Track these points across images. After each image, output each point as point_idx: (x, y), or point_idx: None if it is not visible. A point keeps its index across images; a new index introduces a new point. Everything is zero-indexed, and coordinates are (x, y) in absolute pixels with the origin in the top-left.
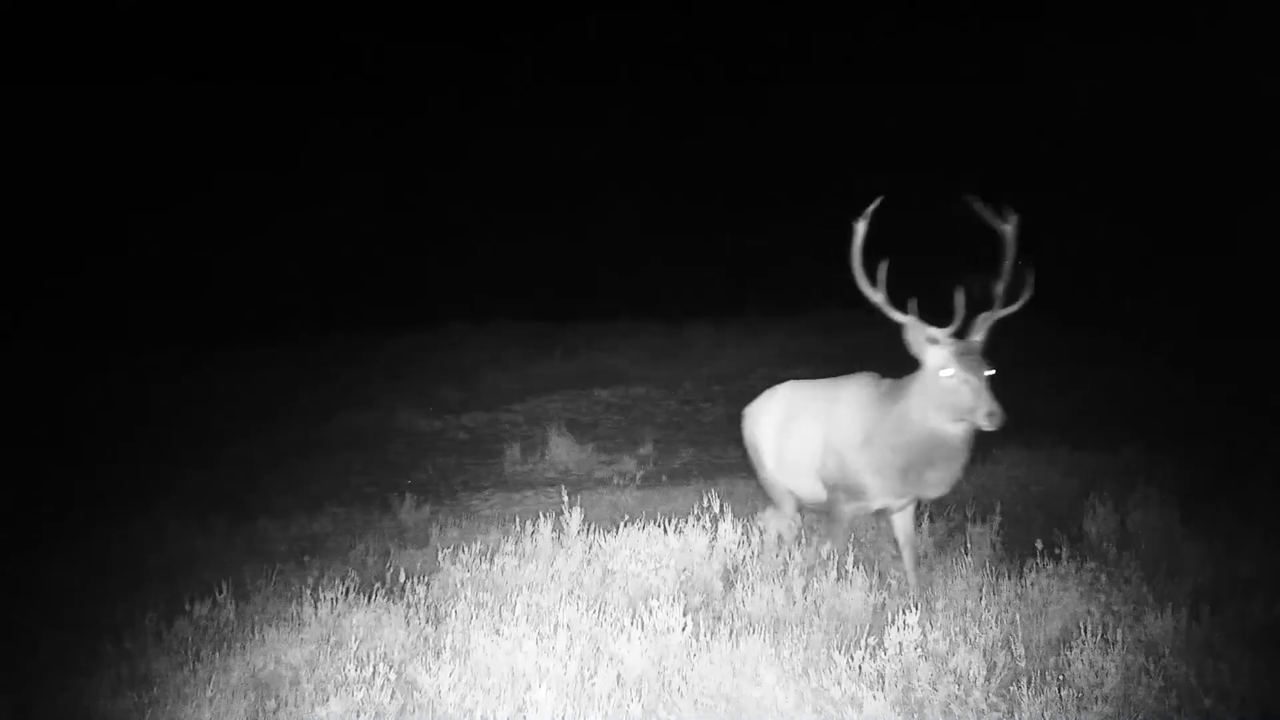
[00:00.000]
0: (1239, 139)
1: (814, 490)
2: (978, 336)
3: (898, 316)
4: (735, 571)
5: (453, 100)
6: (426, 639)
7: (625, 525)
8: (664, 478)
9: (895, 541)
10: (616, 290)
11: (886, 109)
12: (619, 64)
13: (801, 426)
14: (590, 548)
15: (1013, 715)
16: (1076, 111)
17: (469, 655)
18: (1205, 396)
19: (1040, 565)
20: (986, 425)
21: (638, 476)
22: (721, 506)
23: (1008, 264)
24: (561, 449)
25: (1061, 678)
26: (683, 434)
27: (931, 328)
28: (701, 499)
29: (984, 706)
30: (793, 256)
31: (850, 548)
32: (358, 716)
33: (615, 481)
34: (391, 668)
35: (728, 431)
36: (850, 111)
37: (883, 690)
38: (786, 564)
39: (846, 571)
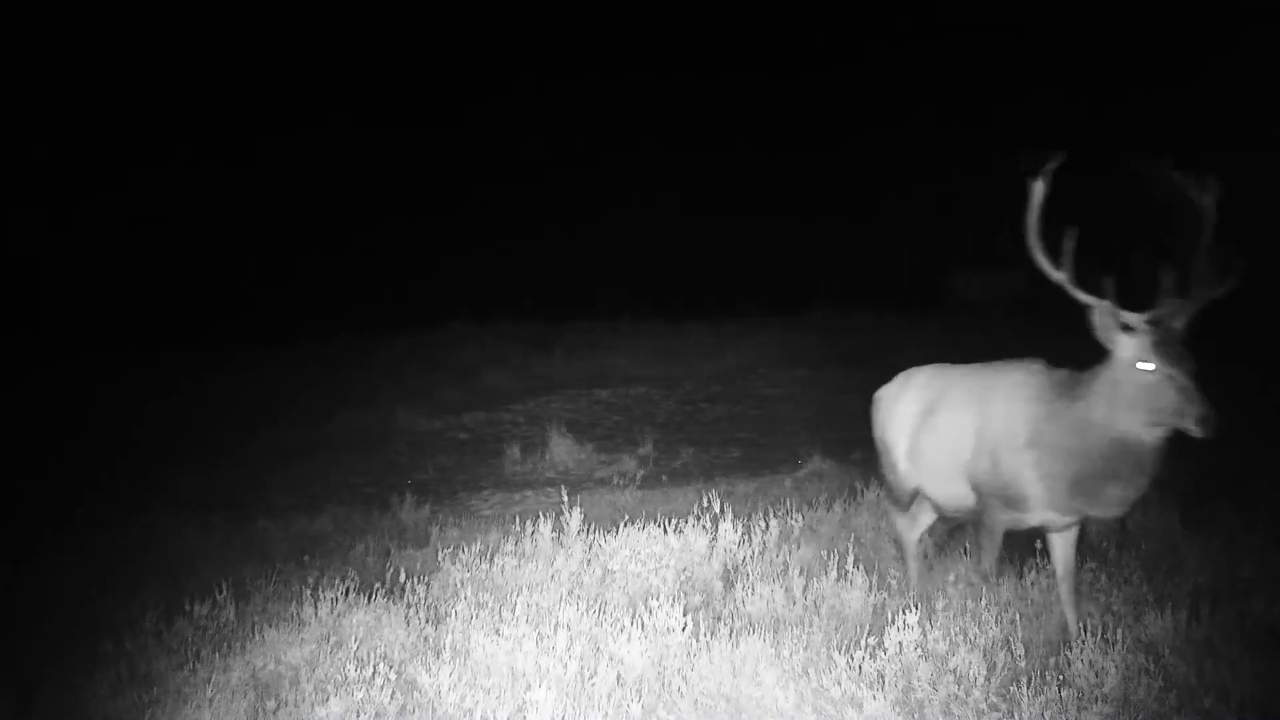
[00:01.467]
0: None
1: (955, 495)
2: (1177, 324)
3: (1086, 298)
4: (735, 571)
5: (452, 101)
6: (426, 639)
7: (625, 525)
8: (664, 478)
9: (1053, 569)
10: (616, 290)
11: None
12: (620, 64)
13: (947, 419)
14: (590, 548)
15: (1013, 715)
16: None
17: (469, 655)
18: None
19: (1040, 565)
20: (1196, 432)
21: (638, 476)
22: (721, 506)
23: (1207, 239)
24: (561, 449)
25: (1061, 678)
26: (683, 434)
27: (1128, 313)
28: (701, 499)
29: (984, 706)
30: (794, 256)
31: (850, 548)
32: (358, 716)
33: (615, 481)
34: (391, 668)
35: (727, 431)
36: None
37: (883, 690)
38: (787, 564)
39: (846, 571)
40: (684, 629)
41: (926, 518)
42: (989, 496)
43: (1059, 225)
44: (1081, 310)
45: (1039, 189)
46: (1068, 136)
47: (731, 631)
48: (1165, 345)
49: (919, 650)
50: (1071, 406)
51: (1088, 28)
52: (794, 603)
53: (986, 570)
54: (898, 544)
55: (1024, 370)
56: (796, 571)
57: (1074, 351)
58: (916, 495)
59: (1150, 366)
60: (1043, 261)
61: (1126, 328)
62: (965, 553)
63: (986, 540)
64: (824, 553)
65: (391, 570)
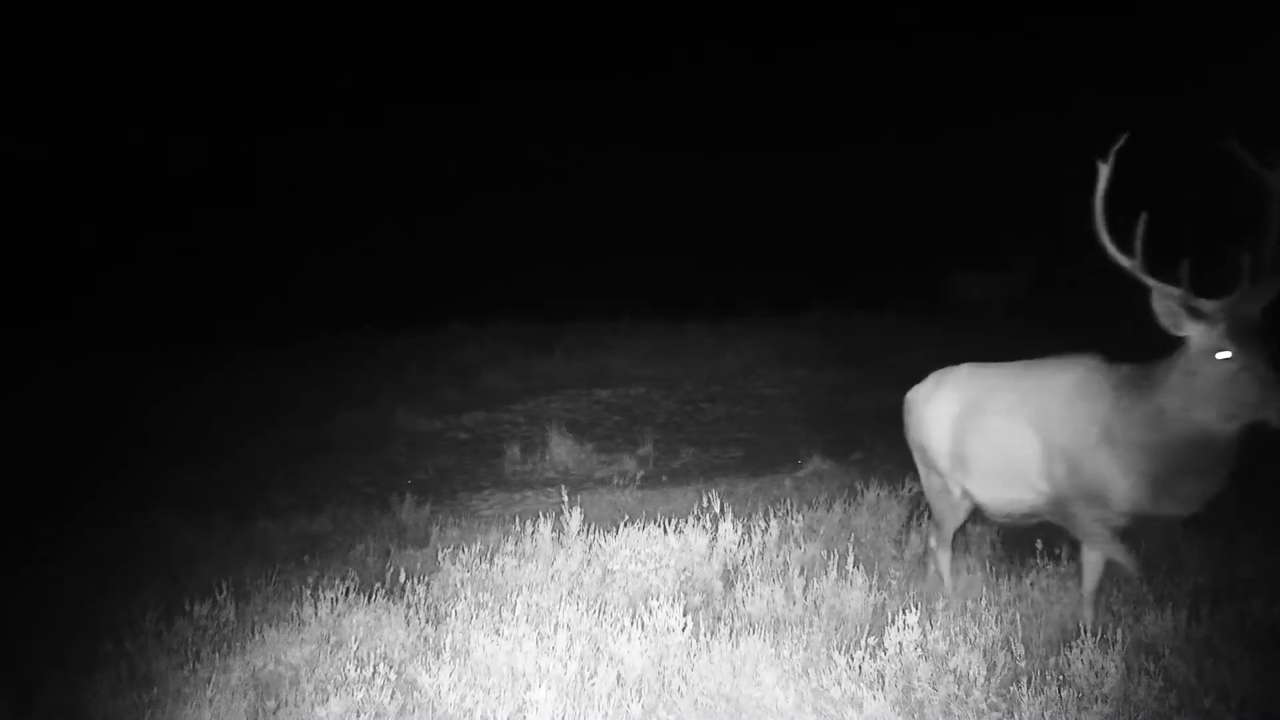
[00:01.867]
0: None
1: (1012, 500)
2: (1252, 311)
3: (1158, 285)
4: (735, 571)
5: (453, 101)
6: (426, 639)
7: (625, 525)
8: (664, 478)
9: (1079, 571)
10: (617, 290)
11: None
12: (620, 65)
13: (997, 423)
14: (590, 548)
15: (1013, 715)
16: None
17: (469, 655)
18: None
19: (1040, 565)
20: (1278, 424)
21: (638, 476)
22: (721, 506)
23: (1279, 220)
24: (561, 449)
25: (1061, 678)
26: (683, 434)
27: (1204, 300)
28: (701, 499)
29: (984, 706)
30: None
31: (850, 548)
32: (358, 716)
33: (615, 481)
34: (391, 668)
35: (727, 431)
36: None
37: (883, 690)
38: (787, 564)
39: (846, 571)
40: (684, 629)
41: (958, 520)
42: (1074, 498)
43: (1116, 214)
44: (1124, 303)
45: (1105, 171)
46: (1075, 135)
47: (731, 631)
48: (1245, 334)
49: (919, 650)
50: (1141, 401)
51: (1093, 23)
52: (794, 603)
53: (1133, 571)
54: (936, 571)
55: (1082, 367)
56: (796, 571)
57: (1074, 350)
58: (964, 507)
59: (1228, 355)
60: (1110, 247)
61: (1198, 316)
62: (965, 552)
63: (1093, 543)
64: (824, 553)
65: (391, 570)
